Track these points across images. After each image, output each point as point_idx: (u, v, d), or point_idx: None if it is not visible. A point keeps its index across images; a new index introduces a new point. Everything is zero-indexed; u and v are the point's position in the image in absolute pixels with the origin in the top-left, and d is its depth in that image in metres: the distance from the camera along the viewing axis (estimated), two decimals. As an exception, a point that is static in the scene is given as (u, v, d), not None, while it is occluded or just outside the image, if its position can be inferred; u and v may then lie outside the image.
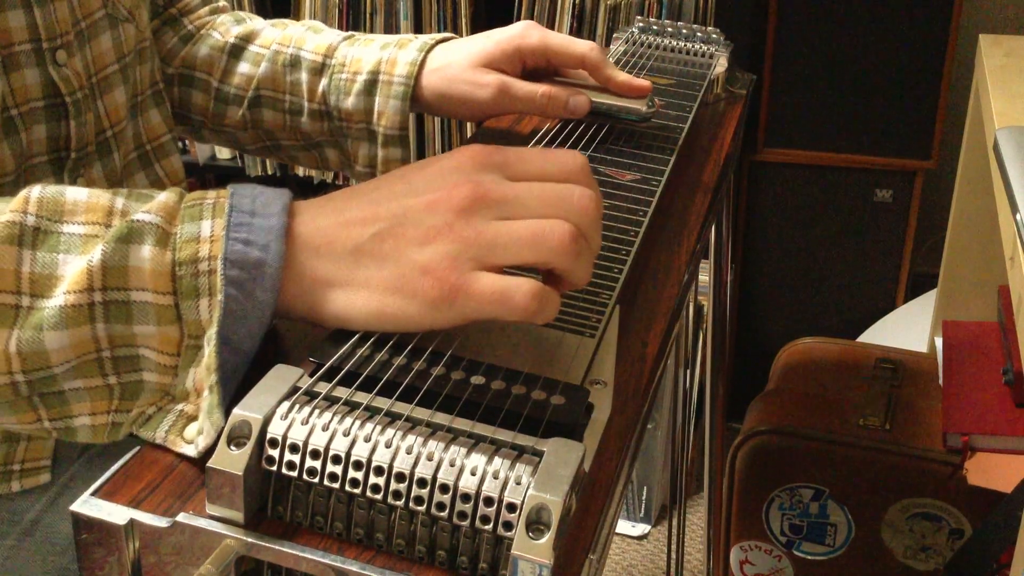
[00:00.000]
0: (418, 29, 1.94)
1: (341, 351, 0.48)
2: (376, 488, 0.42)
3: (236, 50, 0.89)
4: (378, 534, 0.43)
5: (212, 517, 0.43)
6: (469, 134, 1.97)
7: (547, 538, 0.40)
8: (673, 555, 1.57)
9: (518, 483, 0.41)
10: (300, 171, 2.11)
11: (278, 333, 0.55)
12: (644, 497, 1.92)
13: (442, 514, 0.42)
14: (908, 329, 1.80)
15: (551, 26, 1.85)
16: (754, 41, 1.84)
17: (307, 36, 0.88)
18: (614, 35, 1.00)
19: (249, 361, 0.50)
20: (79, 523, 0.44)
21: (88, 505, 0.44)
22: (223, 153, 2.21)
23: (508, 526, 0.41)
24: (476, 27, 1.90)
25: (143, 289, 0.48)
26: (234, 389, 0.49)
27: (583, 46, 0.81)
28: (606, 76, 0.81)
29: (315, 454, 0.43)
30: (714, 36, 0.97)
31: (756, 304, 2.04)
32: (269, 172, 2.16)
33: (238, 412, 0.43)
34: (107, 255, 0.48)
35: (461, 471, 0.42)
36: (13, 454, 0.73)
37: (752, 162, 1.92)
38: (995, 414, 1.29)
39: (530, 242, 0.49)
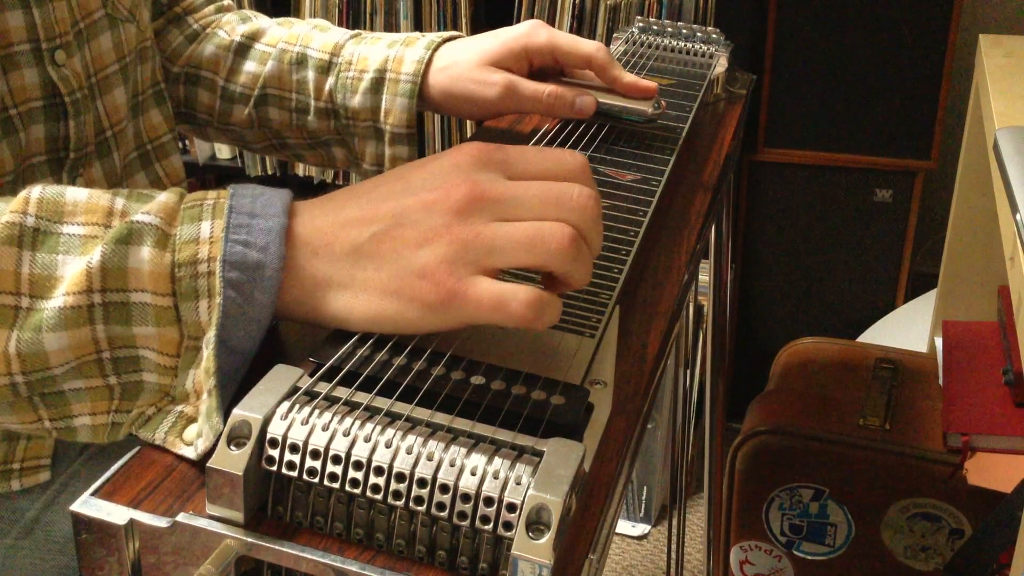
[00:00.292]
0: (418, 29, 1.94)
1: (341, 351, 0.48)
2: (376, 488, 0.42)
3: (242, 49, 0.89)
4: (378, 534, 0.43)
5: (212, 517, 0.43)
6: (470, 133, 1.97)
7: (547, 538, 0.40)
8: (673, 555, 1.57)
9: (518, 483, 0.41)
10: (300, 171, 2.11)
11: (278, 333, 0.55)
12: (644, 497, 1.92)
13: (442, 514, 0.42)
14: (908, 329, 1.80)
15: (551, 26, 1.85)
16: (754, 41, 1.85)
17: (314, 34, 0.88)
18: (614, 35, 1.00)
19: (249, 362, 0.50)
20: (79, 523, 0.44)
21: (88, 505, 0.44)
22: (223, 153, 2.21)
23: (508, 526, 0.41)
24: (476, 27, 1.90)
25: (142, 290, 0.48)
26: (233, 391, 0.49)
27: (590, 46, 0.81)
28: (613, 76, 0.81)
29: (315, 454, 0.43)
30: (714, 36, 0.97)
31: (756, 304, 2.04)
32: (269, 172, 2.16)
33: (238, 412, 0.43)
34: (106, 256, 0.48)
35: (461, 471, 0.42)
36: (13, 453, 0.73)
37: (752, 162, 1.92)
38: (995, 414, 1.29)
39: (528, 245, 0.48)
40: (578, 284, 0.51)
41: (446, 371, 0.48)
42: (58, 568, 0.75)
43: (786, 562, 1.38)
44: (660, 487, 1.91)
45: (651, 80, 0.83)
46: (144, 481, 0.46)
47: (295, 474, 0.43)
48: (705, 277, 1.22)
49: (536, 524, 0.40)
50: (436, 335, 0.51)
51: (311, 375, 0.46)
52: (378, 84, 0.84)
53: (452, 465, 0.42)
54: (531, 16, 1.88)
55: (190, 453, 0.47)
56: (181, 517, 0.43)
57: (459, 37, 0.86)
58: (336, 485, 0.43)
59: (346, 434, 0.43)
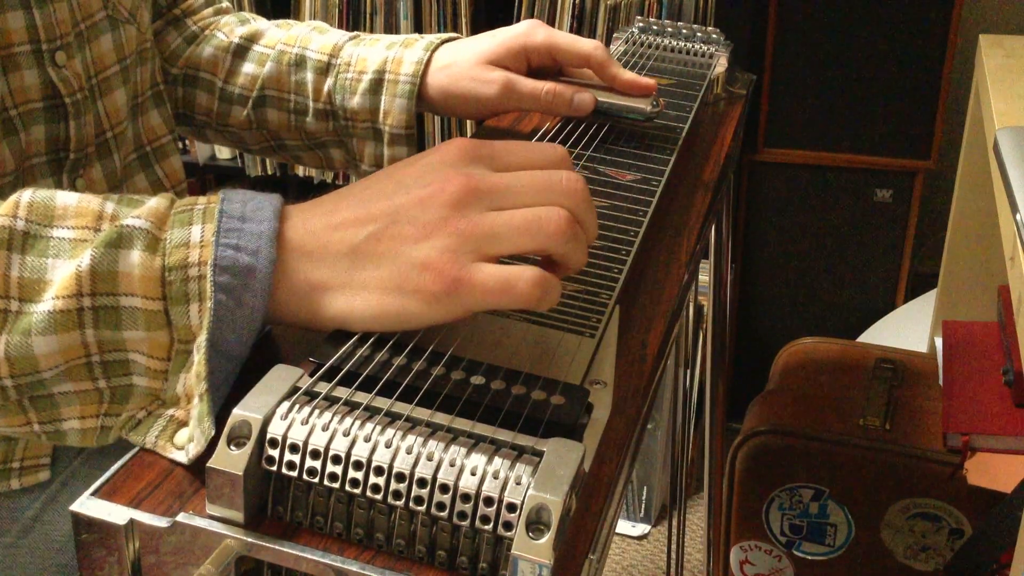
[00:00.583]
0: (418, 29, 1.94)
1: (341, 351, 0.48)
2: (376, 488, 0.42)
3: (240, 50, 0.89)
4: (378, 534, 0.43)
5: (212, 517, 0.43)
6: (470, 133, 1.97)
7: (547, 538, 0.40)
8: (673, 555, 1.56)
9: (518, 483, 0.41)
10: (300, 171, 2.10)
11: (277, 334, 0.55)
12: (644, 497, 1.92)
13: (442, 514, 0.42)
14: (908, 329, 1.80)
15: (551, 26, 1.85)
16: (754, 41, 1.85)
17: (312, 36, 0.88)
18: (614, 35, 1.00)
19: (240, 366, 0.50)
20: (79, 523, 0.44)
21: (88, 505, 0.44)
22: (223, 153, 2.21)
23: (508, 526, 0.41)
24: (476, 27, 1.90)
25: (132, 294, 0.48)
26: (225, 395, 0.49)
27: (588, 44, 0.81)
28: (611, 74, 0.81)
29: (315, 454, 0.43)
30: (714, 36, 0.97)
31: (756, 304, 2.04)
32: (269, 172, 2.16)
33: (238, 412, 0.43)
34: (96, 260, 0.48)
35: (461, 471, 0.42)
36: (12, 452, 0.73)
37: (752, 162, 1.92)
38: (995, 414, 1.29)
39: (527, 230, 0.49)
40: (576, 265, 0.52)
41: (446, 371, 0.48)
42: (58, 567, 0.75)
43: (786, 562, 1.38)
44: (660, 487, 1.91)
45: (650, 79, 0.83)
46: (144, 481, 0.46)
47: (295, 474, 0.43)
48: (705, 277, 1.22)
49: (536, 524, 0.40)
50: (436, 335, 0.51)
51: (311, 375, 0.46)
52: (377, 85, 0.84)
53: (452, 465, 0.42)
54: (531, 16, 1.88)
55: (181, 457, 0.47)
56: (181, 517, 0.43)
57: (458, 38, 0.86)
58: (336, 485, 0.43)
59: (346, 434, 0.43)
